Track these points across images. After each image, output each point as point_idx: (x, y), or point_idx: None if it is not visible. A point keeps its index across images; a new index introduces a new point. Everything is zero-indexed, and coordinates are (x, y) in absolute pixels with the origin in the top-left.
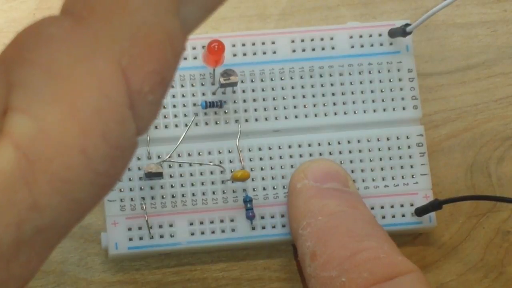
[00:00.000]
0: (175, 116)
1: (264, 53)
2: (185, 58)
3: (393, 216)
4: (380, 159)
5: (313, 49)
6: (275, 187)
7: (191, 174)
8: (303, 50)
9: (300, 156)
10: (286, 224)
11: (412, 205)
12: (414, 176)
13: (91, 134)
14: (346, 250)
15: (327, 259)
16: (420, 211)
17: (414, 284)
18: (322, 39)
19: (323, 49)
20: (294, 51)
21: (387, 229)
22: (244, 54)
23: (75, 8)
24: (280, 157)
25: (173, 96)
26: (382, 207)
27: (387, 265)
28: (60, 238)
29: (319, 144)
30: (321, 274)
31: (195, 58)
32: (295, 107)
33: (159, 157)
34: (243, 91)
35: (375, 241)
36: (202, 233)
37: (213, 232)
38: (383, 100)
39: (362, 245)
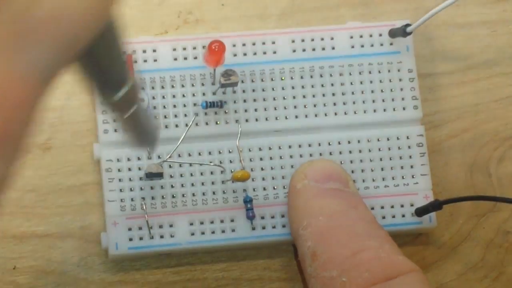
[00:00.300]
0: (175, 116)
1: (265, 53)
2: (186, 58)
3: (393, 216)
4: (380, 159)
5: (313, 49)
6: (275, 187)
7: (191, 174)
8: (304, 50)
9: (300, 156)
10: (286, 224)
11: (412, 205)
12: (414, 176)
13: None
14: (346, 250)
15: (328, 259)
16: (420, 211)
17: (415, 283)
18: (322, 39)
19: (323, 49)
20: (294, 51)
21: (387, 229)
22: (245, 54)
23: None
24: (280, 157)
25: (173, 96)
26: (382, 207)
27: (388, 265)
28: None
29: (319, 144)
30: (321, 274)
31: (195, 58)
32: (295, 107)
33: (159, 157)
34: (244, 91)
35: (375, 241)
36: (202, 233)
37: (213, 232)
38: (383, 100)
39: (362, 245)
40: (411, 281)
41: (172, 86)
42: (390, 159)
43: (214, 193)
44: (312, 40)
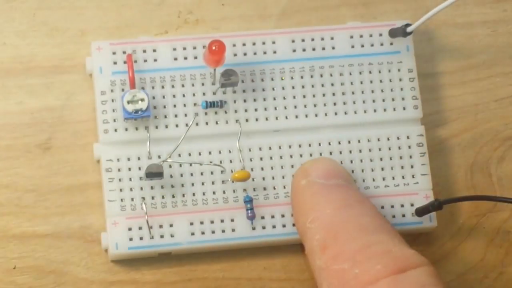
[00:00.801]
0: (176, 116)
1: (265, 52)
2: (186, 58)
3: (394, 216)
4: (381, 159)
5: (314, 49)
6: (276, 187)
7: (192, 174)
8: (304, 50)
9: (300, 156)
10: (286, 224)
11: (412, 205)
12: (414, 176)
13: None
14: (357, 243)
15: (339, 251)
16: (421, 211)
17: (426, 277)
18: (322, 39)
19: (323, 49)
20: (294, 51)
21: None
22: (245, 54)
23: None
24: (281, 157)
25: (174, 96)
26: (382, 207)
27: (399, 258)
28: None
29: (319, 144)
30: (332, 267)
31: (195, 58)
32: (295, 107)
33: (159, 157)
34: (244, 91)
35: (385, 234)
36: (202, 233)
37: (213, 232)
38: (383, 100)
39: (373, 238)
40: (422, 274)
41: (172, 86)
42: (390, 159)
43: (214, 193)
44: (312, 40)
